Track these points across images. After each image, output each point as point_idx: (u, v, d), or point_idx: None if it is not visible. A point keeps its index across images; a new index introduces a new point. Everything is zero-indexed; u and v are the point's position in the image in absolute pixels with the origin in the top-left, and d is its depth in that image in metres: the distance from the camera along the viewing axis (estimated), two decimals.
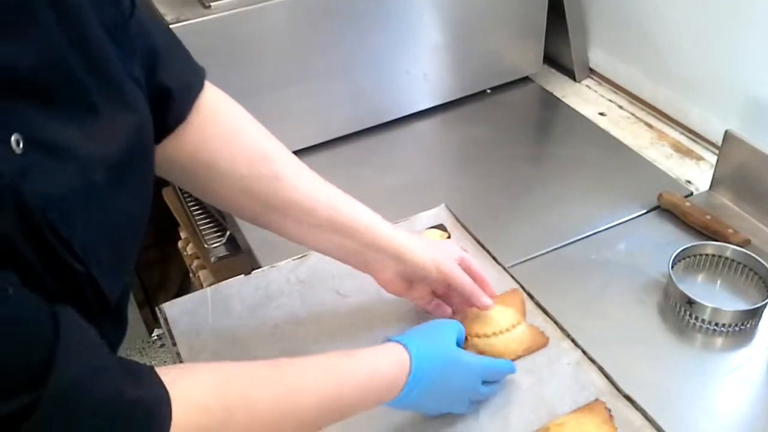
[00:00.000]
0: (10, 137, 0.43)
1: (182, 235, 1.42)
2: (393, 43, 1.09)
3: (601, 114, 1.23)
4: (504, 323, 0.77)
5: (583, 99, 1.27)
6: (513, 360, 0.75)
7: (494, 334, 0.76)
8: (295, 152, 1.09)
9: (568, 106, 1.24)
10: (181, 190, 1.29)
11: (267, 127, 1.07)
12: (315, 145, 1.12)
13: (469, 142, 1.16)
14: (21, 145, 0.43)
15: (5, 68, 0.42)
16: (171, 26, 0.92)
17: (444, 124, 1.20)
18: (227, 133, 0.68)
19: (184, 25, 0.92)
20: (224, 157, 0.67)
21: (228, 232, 1.10)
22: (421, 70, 1.14)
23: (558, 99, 1.26)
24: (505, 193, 1.05)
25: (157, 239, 1.77)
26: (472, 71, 1.20)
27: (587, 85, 1.31)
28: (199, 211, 1.19)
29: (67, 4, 0.48)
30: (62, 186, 0.46)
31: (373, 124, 1.16)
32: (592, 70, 1.32)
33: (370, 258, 0.74)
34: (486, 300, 0.75)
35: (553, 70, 1.34)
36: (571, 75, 1.32)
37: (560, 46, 1.29)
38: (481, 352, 0.75)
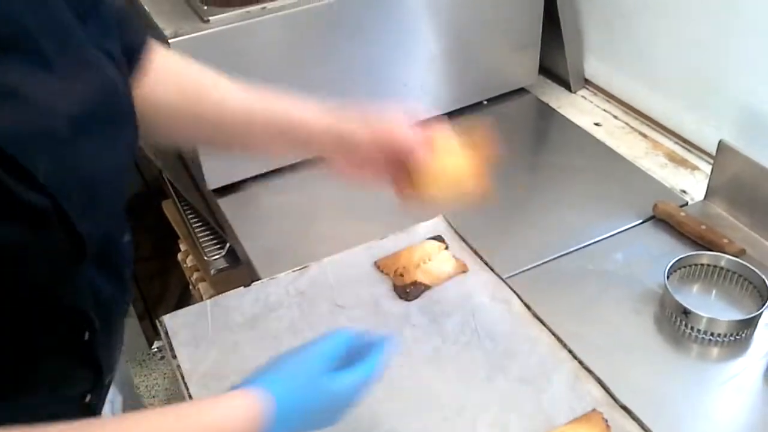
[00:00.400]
0: None
1: (182, 247, 1.43)
2: (389, 54, 1.10)
3: (597, 124, 1.24)
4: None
5: (579, 109, 1.28)
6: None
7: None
8: (293, 164, 1.12)
9: (564, 117, 1.25)
10: (181, 202, 1.30)
11: None
12: (310, 159, 1.13)
13: None
14: None
15: None
16: (170, 40, 0.93)
17: None
18: (173, 74, 0.75)
19: (182, 39, 0.93)
20: (174, 93, 0.74)
21: (228, 244, 1.11)
22: (417, 81, 1.15)
23: (553, 110, 1.27)
24: (501, 203, 1.05)
25: (157, 251, 1.78)
26: (469, 83, 1.21)
27: (583, 96, 1.32)
28: (199, 224, 1.20)
29: None
30: (21, 126, 0.48)
31: None
32: (587, 81, 1.33)
33: (315, 148, 0.78)
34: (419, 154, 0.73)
35: (549, 81, 1.35)
36: (566, 85, 1.33)
37: (556, 57, 1.30)
38: None
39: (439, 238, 0.94)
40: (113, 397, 0.79)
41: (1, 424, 0.50)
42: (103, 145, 0.56)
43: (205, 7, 0.97)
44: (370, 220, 1.03)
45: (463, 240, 0.94)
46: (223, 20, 0.96)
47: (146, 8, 1.01)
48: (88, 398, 0.68)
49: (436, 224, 0.98)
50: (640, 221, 0.98)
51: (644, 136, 1.20)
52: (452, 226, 0.97)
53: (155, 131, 0.74)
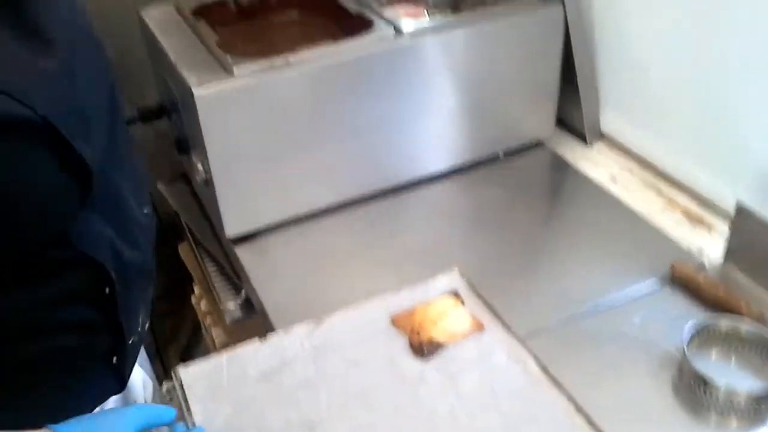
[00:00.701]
0: None
1: (196, 290, 1.43)
2: (408, 108, 1.11)
3: (613, 179, 1.24)
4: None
5: (595, 163, 1.28)
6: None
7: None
8: (310, 214, 1.13)
9: (580, 171, 1.25)
10: (197, 246, 1.31)
11: (283, 188, 1.10)
12: (329, 209, 1.14)
13: (482, 206, 1.18)
14: None
15: None
16: (194, 90, 0.94)
17: (457, 187, 1.22)
18: None
19: (208, 90, 0.95)
20: None
21: (243, 292, 1.11)
22: (435, 134, 1.17)
23: (569, 164, 1.27)
24: (517, 258, 1.06)
25: (169, 291, 1.78)
26: (485, 135, 1.23)
27: (599, 149, 1.32)
28: (215, 270, 1.21)
29: None
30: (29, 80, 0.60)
31: (386, 187, 1.17)
32: (603, 134, 1.34)
33: None
34: None
35: (565, 133, 1.36)
36: (582, 138, 1.34)
37: (572, 110, 1.31)
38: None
39: (455, 294, 0.94)
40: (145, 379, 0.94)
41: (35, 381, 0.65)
42: (89, 82, 0.69)
43: (230, 59, 0.99)
44: (386, 270, 1.04)
45: (480, 296, 0.94)
46: (247, 72, 0.97)
47: (172, 58, 1.03)
48: (114, 359, 0.77)
49: (451, 278, 0.98)
50: (658, 282, 0.97)
51: (660, 192, 1.20)
52: (468, 281, 0.97)
53: None
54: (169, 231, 1.60)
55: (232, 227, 1.08)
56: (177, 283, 1.62)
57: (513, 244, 1.09)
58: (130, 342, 0.79)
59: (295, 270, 1.05)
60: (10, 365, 0.70)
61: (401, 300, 0.94)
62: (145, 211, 0.81)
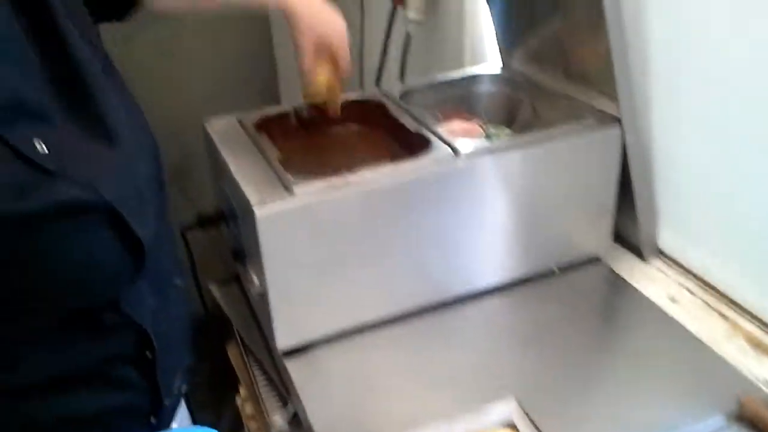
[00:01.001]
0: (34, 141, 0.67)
1: (242, 391, 1.42)
2: (460, 223, 1.11)
3: (672, 300, 1.21)
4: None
5: (653, 281, 1.25)
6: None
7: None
8: (361, 327, 1.12)
9: (637, 290, 1.22)
10: (245, 349, 1.30)
11: (336, 301, 1.10)
12: (382, 321, 1.13)
13: (535, 324, 1.15)
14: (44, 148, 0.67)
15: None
16: (255, 209, 0.96)
17: (510, 302, 1.20)
18: None
19: (268, 209, 0.96)
20: None
21: (290, 405, 1.09)
22: (487, 249, 1.16)
23: (626, 281, 1.24)
24: (573, 383, 1.02)
25: (212, 381, 1.77)
26: (539, 251, 1.21)
27: (657, 267, 1.29)
28: (263, 378, 1.20)
29: None
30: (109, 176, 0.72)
31: (438, 301, 1.16)
32: (661, 251, 1.31)
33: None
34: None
35: (622, 248, 1.34)
36: (639, 254, 1.31)
37: (629, 225, 1.30)
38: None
39: (511, 426, 0.91)
40: None
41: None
42: (144, 170, 0.78)
43: (291, 178, 1.01)
44: (439, 390, 1.01)
45: (537, 429, 0.91)
46: (308, 192, 0.99)
47: (233, 172, 1.05)
48: (153, 420, 0.85)
49: (507, 406, 0.95)
50: (724, 420, 0.93)
51: (723, 316, 1.16)
52: (524, 411, 0.94)
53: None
54: (218, 325, 1.60)
55: (283, 341, 1.07)
56: (221, 374, 1.62)
57: (568, 367, 1.05)
58: (168, 404, 0.87)
59: (345, 388, 1.03)
60: (57, 421, 0.77)
61: (455, 429, 0.92)
62: (178, 282, 0.91)
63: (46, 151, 0.67)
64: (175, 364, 0.88)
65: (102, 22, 0.90)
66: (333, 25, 1.03)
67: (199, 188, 2.01)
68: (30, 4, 0.75)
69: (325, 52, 1.05)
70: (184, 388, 0.94)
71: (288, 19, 1.01)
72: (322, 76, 1.09)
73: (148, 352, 0.81)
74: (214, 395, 1.88)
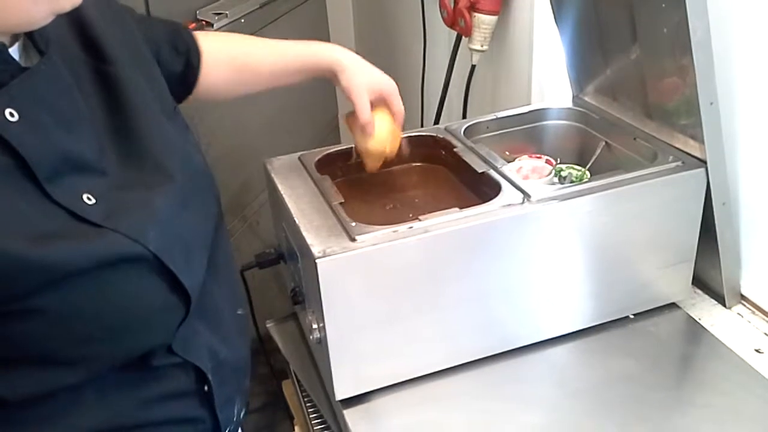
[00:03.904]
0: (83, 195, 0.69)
1: (297, 429, 1.39)
2: (530, 270, 1.05)
3: (757, 351, 1.12)
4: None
5: (735, 330, 1.16)
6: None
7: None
8: (422, 376, 1.07)
9: (718, 340, 1.14)
10: (299, 384, 1.27)
11: (398, 351, 1.05)
12: (443, 370, 1.08)
13: (609, 378, 1.08)
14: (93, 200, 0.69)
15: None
16: (317, 260, 0.92)
17: (580, 352, 1.13)
18: (218, 57, 1.03)
19: (330, 259, 0.92)
20: (224, 72, 1.04)
21: None
22: (558, 297, 1.09)
23: (706, 330, 1.16)
24: None
25: (269, 414, 1.76)
26: (615, 298, 1.14)
27: (739, 313, 1.21)
28: (318, 422, 1.16)
29: None
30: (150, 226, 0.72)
31: (504, 350, 1.10)
32: (743, 297, 1.23)
33: (317, 73, 1.05)
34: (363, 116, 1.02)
35: (700, 293, 1.25)
36: (720, 300, 1.23)
37: (708, 269, 1.21)
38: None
39: None
40: None
41: None
42: (196, 212, 0.79)
43: (354, 224, 0.97)
44: None
45: None
46: (370, 240, 0.95)
47: (295, 217, 1.02)
48: None
49: None
50: None
51: None
52: None
53: (212, 96, 1.06)
54: (274, 360, 1.58)
55: (342, 390, 1.03)
56: (275, 401, 1.60)
57: (643, 426, 0.98)
58: (227, 431, 0.88)
59: None
60: None
61: None
62: (239, 312, 0.91)
63: (94, 201, 0.69)
64: (234, 392, 0.88)
65: None
66: (382, 74, 1.05)
67: (257, 216, 2.01)
68: (91, 54, 0.76)
69: (379, 103, 1.05)
70: (243, 414, 0.94)
71: (340, 75, 1.02)
72: (383, 127, 1.05)
73: (205, 387, 0.82)
74: (268, 421, 1.86)
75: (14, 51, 0.68)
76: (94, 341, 0.70)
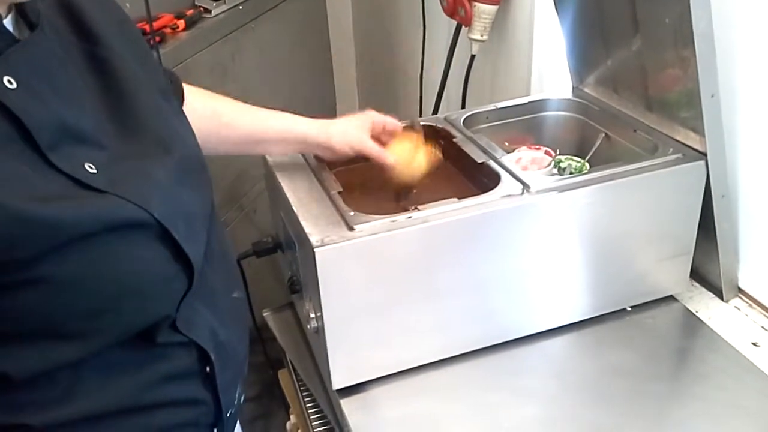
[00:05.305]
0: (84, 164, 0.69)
1: (292, 418, 1.39)
2: (528, 261, 1.05)
3: (754, 344, 1.12)
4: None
5: (732, 323, 1.17)
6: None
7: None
8: (419, 367, 1.07)
9: (715, 333, 1.14)
10: (295, 374, 1.27)
11: (395, 341, 1.05)
12: (440, 361, 1.08)
13: (606, 370, 1.08)
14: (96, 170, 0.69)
15: None
16: (315, 248, 0.92)
17: (577, 344, 1.13)
18: (203, 119, 1.00)
19: (329, 249, 0.92)
20: (206, 133, 0.97)
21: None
22: (556, 289, 1.09)
23: (703, 322, 1.16)
24: None
25: (264, 390, 1.76)
26: (613, 290, 1.14)
27: (736, 306, 1.21)
28: (315, 411, 1.16)
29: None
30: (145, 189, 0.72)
31: (501, 341, 1.10)
32: (741, 290, 1.23)
33: (304, 148, 1.12)
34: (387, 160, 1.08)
35: (698, 285, 1.25)
36: (717, 293, 1.23)
37: (706, 262, 1.21)
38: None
39: None
40: None
41: None
42: (194, 191, 0.79)
43: (352, 214, 0.96)
44: None
45: None
46: (369, 229, 0.95)
47: (293, 206, 1.02)
48: (214, 431, 0.86)
49: None
50: None
51: None
52: None
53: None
54: (270, 347, 1.58)
55: (339, 380, 1.03)
56: (271, 390, 1.60)
57: (639, 420, 0.99)
58: (228, 415, 0.87)
59: (400, 429, 0.99)
60: None
61: None
62: (235, 295, 0.90)
63: (96, 171, 0.69)
64: (235, 375, 0.88)
65: None
66: (357, 116, 1.12)
67: (254, 204, 2.01)
68: (81, 37, 0.75)
69: (379, 135, 1.11)
70: (242, 398, 0.94)
71: (334, 147, 1.08)
72: (402, 154, 1.09)
73: (207, 368, 0.81)
74: (264, 410, 1.86)
75: (8, 23, 0.67)
76: (98, 313, 0.69)
